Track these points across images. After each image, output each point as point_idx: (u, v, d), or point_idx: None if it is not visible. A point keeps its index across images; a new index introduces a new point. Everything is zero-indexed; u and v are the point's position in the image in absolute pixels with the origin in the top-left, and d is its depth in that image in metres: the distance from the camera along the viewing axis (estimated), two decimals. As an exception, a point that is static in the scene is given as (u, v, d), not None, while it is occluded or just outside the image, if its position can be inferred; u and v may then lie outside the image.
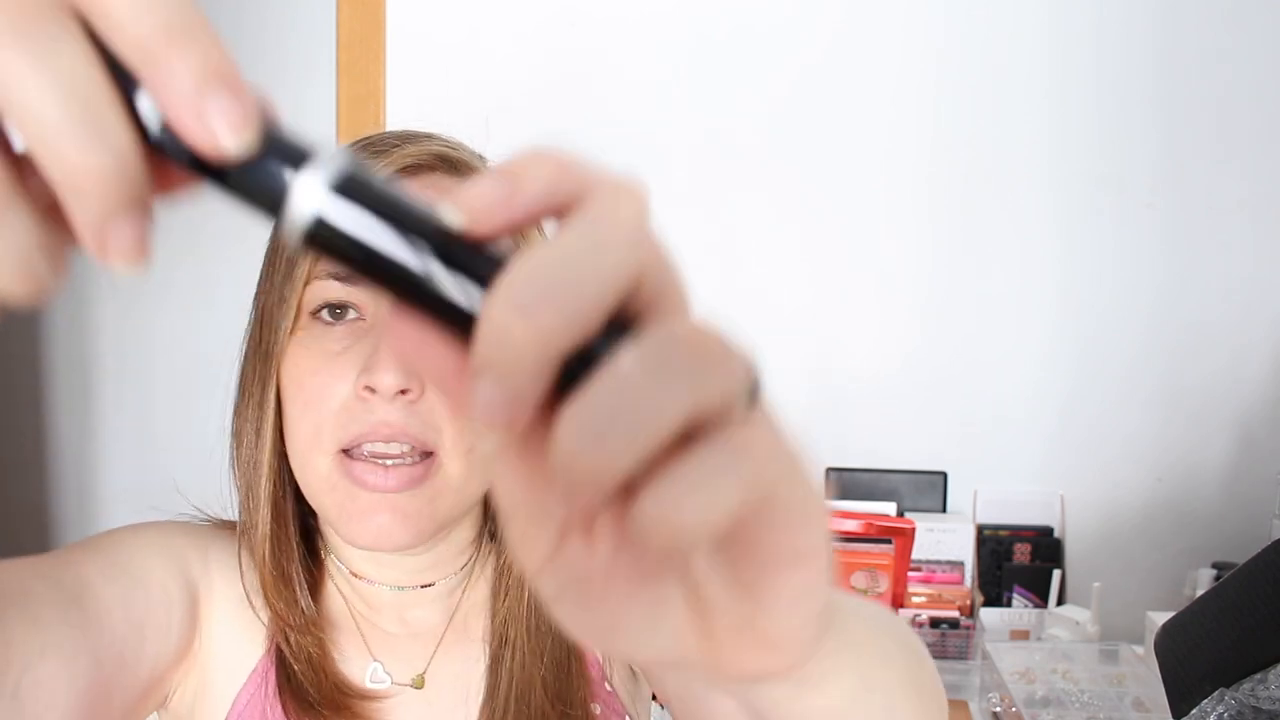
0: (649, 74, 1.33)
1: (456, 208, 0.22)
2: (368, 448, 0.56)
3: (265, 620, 0.62)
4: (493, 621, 0.64)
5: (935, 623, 1.27)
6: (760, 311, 1.35)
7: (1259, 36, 1.37)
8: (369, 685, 0.62)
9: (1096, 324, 1.40)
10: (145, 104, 0.21)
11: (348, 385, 0.56)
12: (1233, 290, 1.38)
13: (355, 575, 0.64)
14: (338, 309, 0.58)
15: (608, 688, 0.65)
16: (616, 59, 1.32)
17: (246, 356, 0.62)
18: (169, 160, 0.22)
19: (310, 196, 0.22)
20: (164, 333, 1.35)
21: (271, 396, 0.59)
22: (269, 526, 0.61)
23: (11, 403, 1.33)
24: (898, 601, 1.10)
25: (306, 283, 0.58)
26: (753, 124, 1.36)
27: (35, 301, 0.22)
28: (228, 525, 0.64)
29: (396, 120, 1.24)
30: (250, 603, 0.61)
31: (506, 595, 0.63)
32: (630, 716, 0.66)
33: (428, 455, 0.57)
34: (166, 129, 0.22)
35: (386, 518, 0.56)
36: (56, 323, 1.34)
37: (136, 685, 0.55)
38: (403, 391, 0.55)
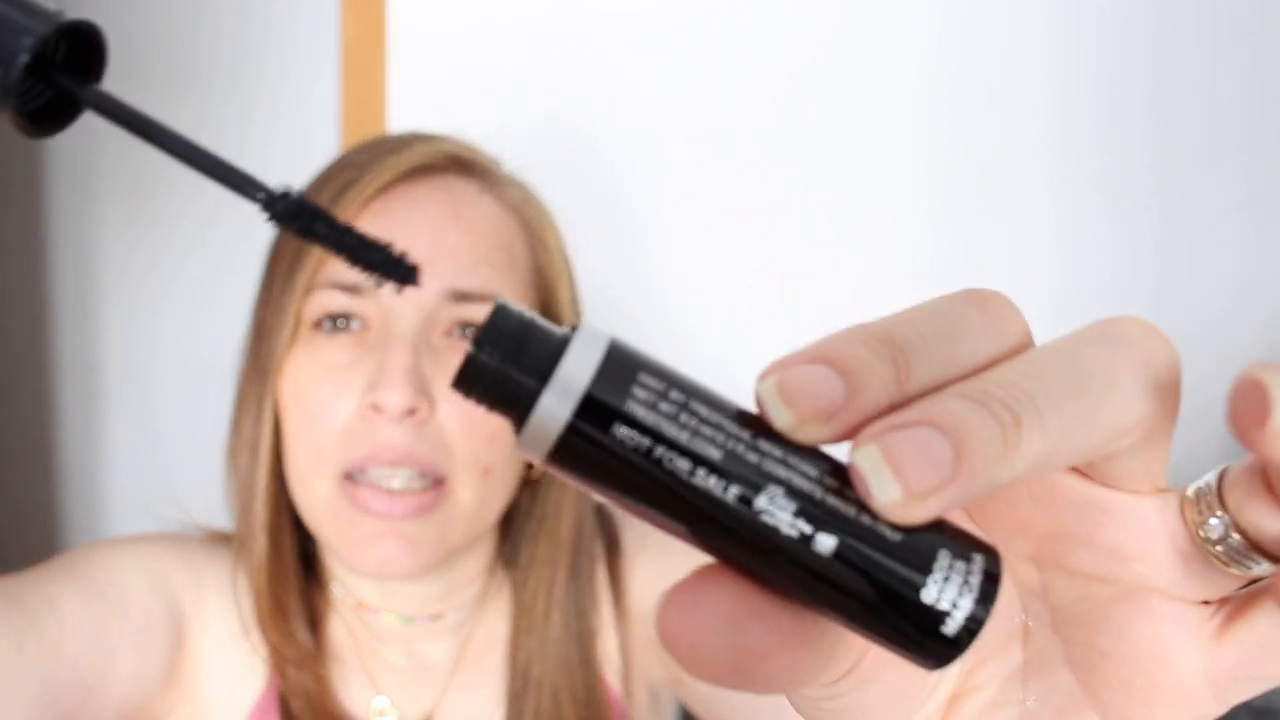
0: (653, 69, 1.34)
1: (782, 401, 0.17)
2: (372, 472, 0.52)
3: (264, 653, 0.57)
4: (513, 659, 0.59)
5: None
6: (757, 308, 1.36)
7: (1259, 39, 1.38)
8: None
9: (1094, 324, 1.41)
10: None
11: (351, 403, 0.52)
12: (1229, 292, 1.39)
13: (360, 605, 0.59)
14: (340, 319, 0.54)
15: None
16: (620, 56, 1.33)
17: (243, 373, 0.58)
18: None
19: (563, 400, 0.17)
20: (171, 331, 1.36)
21: (268, 415, 0.55)
22: (265, 554, 0.56)
23: (17, 401, 1.34)
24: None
25: (307, 291, 0.54)
26: (751, 121, 1.36)
27: None
28: (225, 540, 0.60)
29: (399, 122, 1.25)
30: (247, 634, 0.57)
31: (530, 632, 0.59)
32: None
33: (437, 481, 0.53)
34: None
35: (392, 545, 0.52)
36: (62, 320, 1.35)
37: (106, 713, 0.51)
38: (411, 411, 0.51)
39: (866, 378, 0.17)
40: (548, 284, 0.59)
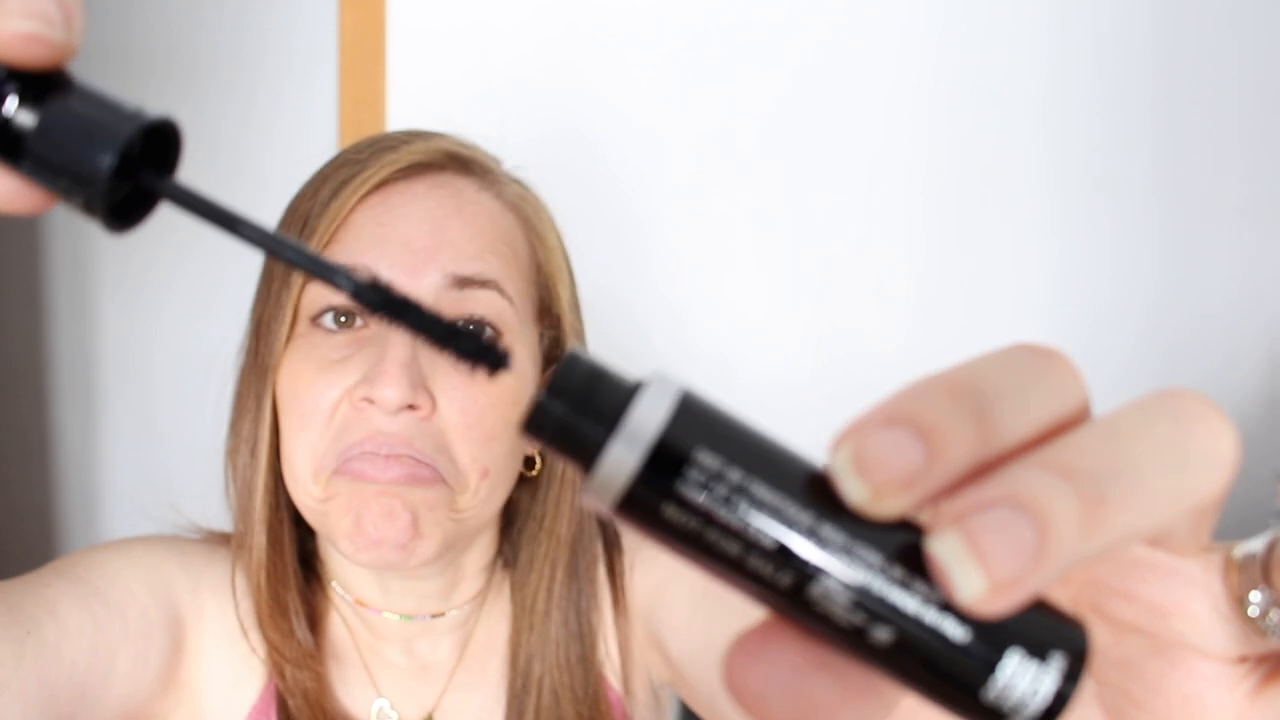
0: (653, 69, 1.34)
1: (858, 474, 0.16)
2: (367, 456, 0.51)
3: (263, 653, 0.56)
4: (514, 658, 0.59)
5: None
6: (757, 308, 1.36)
7: (1258, 39, 1.38)
8: None
9: (1092, 326, 1.41)
10: None
11: (341, 393, 0.51)
12: (1229, 292, 1.39)
13: (360, 603, 0.58)
14: (342, 315, 0.53)
15: None
16: (620, 56, 1.33)
17: (242, 372, 0.57)
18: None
19: (631, 449, 0.17)
20: (170, 331, 1.36)
21: (267, 413, 0.54)
22: (264, 552, 0.55)
23: (14, 401, 1.33)
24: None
25: (304, 285, 0.53)
26: (751, 122, 1.36)
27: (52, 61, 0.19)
28: (224, 541, 0.60)
29: (399, 122, 1.24)
30: (245, 634, 0.56)
31: (531, 631, 0.58)
32: None
33: (435, 474, 0.52)
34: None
35: (390, 503, 0.50)
36: (59, 320, 1.35)
37: (105, 716, 0.51)
38: (410, 407, 0.50)
39: (947, 437, 0.16)
40: (548, 281, 0.58)
